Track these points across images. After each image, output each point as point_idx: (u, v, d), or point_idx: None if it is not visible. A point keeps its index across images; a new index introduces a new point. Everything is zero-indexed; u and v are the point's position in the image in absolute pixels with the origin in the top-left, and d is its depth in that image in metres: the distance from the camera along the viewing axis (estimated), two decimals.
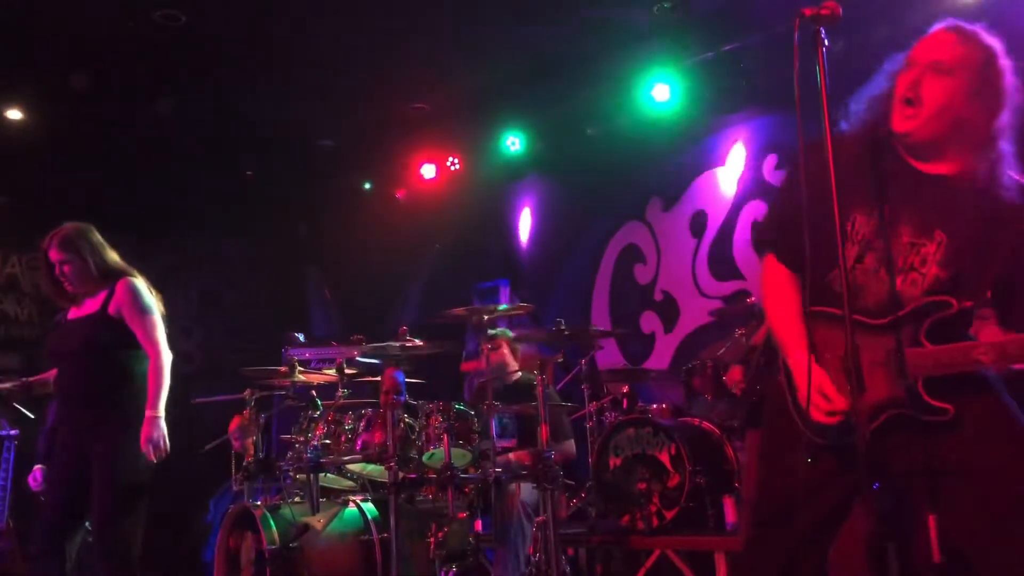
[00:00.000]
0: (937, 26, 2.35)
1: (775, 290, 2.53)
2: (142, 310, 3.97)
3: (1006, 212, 2.27)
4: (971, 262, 2.28)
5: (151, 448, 3.82)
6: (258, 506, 4.45)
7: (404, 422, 4.21)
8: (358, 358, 4.66)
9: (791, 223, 2.34)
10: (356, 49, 6.63)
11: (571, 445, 5.28)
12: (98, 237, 4.09)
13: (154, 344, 3.96)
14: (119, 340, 3.94)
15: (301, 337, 7.21)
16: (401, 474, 3.98)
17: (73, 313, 4.09)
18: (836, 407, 2.26)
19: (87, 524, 3.92)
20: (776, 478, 2.55)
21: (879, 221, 2.32)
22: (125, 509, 3.80)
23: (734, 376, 4.16)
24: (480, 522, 4.28)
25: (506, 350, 5.36)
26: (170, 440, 3.90)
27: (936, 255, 2.29)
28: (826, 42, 2.21)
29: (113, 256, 4.09)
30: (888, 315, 2.30)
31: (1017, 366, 2.20)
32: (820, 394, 2.29)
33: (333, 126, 7.82)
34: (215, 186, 8.11)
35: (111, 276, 4.03)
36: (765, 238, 2.59)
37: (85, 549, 4.04)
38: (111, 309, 3.96)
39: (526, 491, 4.51)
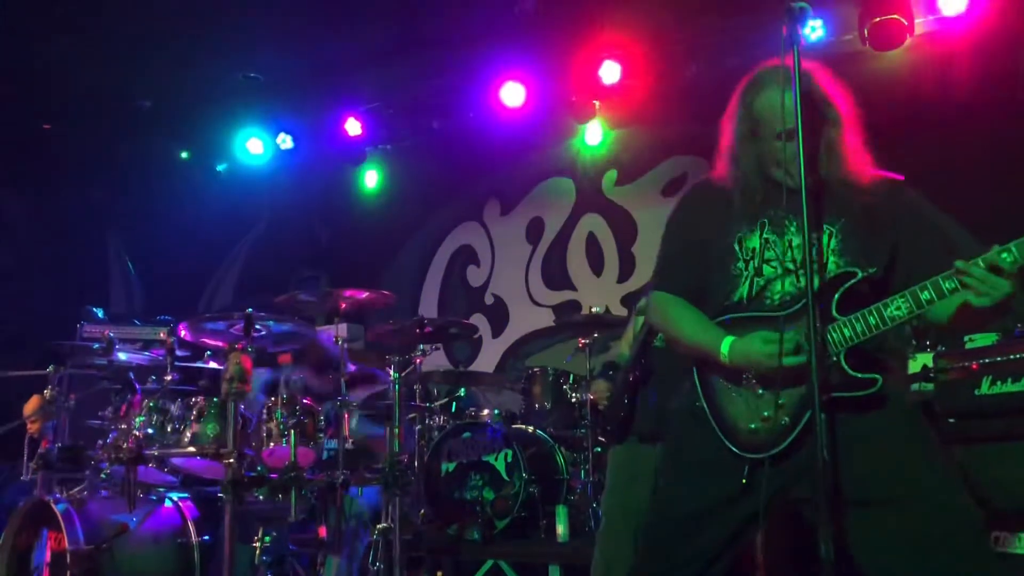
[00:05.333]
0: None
1: (675, 310, 2.57)
2: None
3: (877, 196, 2.43)
4: (862, 243, 2.41)
5: None
6: (60, 500, 3.89)
7: (241, 415, 3.81)
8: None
9: (679, 261, 2.59)
10: (191, 5, 6.06)
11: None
12: None
13: None
14: None
15: (100, 312, 6.50)
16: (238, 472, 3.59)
17: None
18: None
19: None
20: (679, 501, 2.53)
21: (765, 232, 2.47)
22: None
23: (599, 389, 4.10)
24: (324, 528, 3.96)
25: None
26: None
27: (829, 244, 2.43)
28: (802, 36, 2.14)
29: None
30: (795, 303, 2.39)
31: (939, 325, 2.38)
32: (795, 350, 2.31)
33: (154, 86, 7.13)
34: (2, 135, 7.17)
35: None
36: (659, 286, 2.65)
37: None
38: None
39: (366, 494, 4.23)
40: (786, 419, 2.34)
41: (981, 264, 2.15)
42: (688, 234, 2.60)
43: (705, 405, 2.46)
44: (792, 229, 2.44)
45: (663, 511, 2.60)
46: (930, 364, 4.30)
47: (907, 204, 2.48)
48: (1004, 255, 2.14)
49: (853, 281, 2.35)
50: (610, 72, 6.45)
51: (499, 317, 7.24)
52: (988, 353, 3.51)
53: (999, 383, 3.42)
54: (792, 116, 2.25)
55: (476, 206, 7.44)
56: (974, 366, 3.51)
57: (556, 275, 7.08)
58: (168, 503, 4.19)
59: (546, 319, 6.93)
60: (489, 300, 7.32)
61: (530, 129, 6.90)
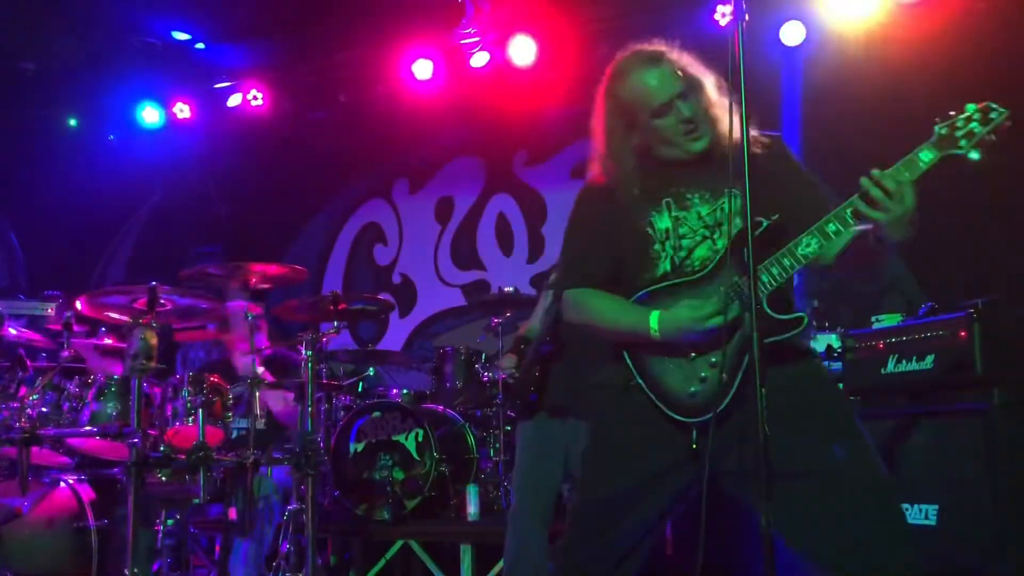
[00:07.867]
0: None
1: (593, 301, 2.57)
2: None
3: (760, 151, 2.45)
4: (759, 195, 2.34)
5: None
6: None
7: (144, 393, 3.63)
8: None
9: (588, 256, 2.60)
10: None
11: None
12: None
13: None
14: None
15: None
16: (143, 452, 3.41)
17: None
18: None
19: None
20: (611, 480, 2.50)
21: (673, 211, 2.50)
22: None
23: (508, 363, 4.08)
24: (233, 510, 3.82)
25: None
26: None
27: (732, 208, 2.44)
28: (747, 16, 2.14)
29: None
30: (712, 262, 2.44)
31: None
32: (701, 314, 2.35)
33: (40, 48, 6.72)
34: None
35: None
36: (569, 283, 2.64)
37: None
38: None
39: (275, 474, 4.10)
40: (724, 375, 2.35)
41: (891, 174, 2.21)
42: (594, 228, 2.61)
43: (641, 381, 2.46)
44: (696, 201, 2.49)
45: (593, 492, 2.58)
46: (834, 344, 4.45)
47: (785, 157, 2.56)
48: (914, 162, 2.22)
49: (760, 231, 2.34)
50: (521, 50, 6.39)
51: (407, 296, 7.15)
52: (894, 333, 3.63)
53: (904, 361, 3.55)
54: (661, 92, 2.39)
55: (384, 183, 7.31)
56: (880, 345, 3.64)
57: (465, 255, 7.02)
58: (63, 485, 3.97)
59: (455, 299, 6.88)
60: (396, 279, 7.22)
61: (440, 106, 6.78)
